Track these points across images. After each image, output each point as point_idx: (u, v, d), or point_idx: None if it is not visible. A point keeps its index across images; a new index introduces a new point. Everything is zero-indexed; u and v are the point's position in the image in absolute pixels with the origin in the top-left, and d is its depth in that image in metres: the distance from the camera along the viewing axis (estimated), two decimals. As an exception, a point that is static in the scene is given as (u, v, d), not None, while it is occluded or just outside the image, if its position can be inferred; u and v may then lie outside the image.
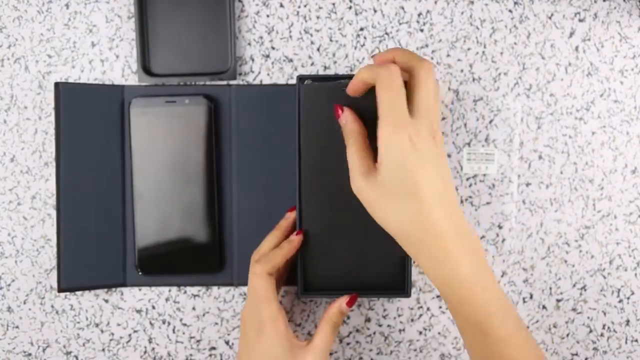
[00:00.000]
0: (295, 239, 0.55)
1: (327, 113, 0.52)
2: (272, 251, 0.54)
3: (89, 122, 0.59)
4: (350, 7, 0.61)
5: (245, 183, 0.60)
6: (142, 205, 0.59)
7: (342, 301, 0.54)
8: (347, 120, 0.50)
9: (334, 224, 0.54)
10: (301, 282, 0.56)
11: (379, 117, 0.46)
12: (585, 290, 0.61)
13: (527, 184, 0.61)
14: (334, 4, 0.61)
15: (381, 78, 0.45)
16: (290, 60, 0.61)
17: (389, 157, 0.45)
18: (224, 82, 0.61)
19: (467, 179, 0.61)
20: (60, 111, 0.59)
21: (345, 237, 0.55)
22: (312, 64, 0.61)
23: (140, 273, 0.60)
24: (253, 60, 0.61)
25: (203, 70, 0.60)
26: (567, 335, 0.62)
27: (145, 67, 0.60)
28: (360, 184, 0.47)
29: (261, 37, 0.61)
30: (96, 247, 0.59)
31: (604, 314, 0.61)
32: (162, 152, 0.59)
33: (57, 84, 0.59)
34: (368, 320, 0.62)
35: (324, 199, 0.54)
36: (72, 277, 0.59)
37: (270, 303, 0.52)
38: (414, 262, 0.56)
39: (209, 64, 0.61)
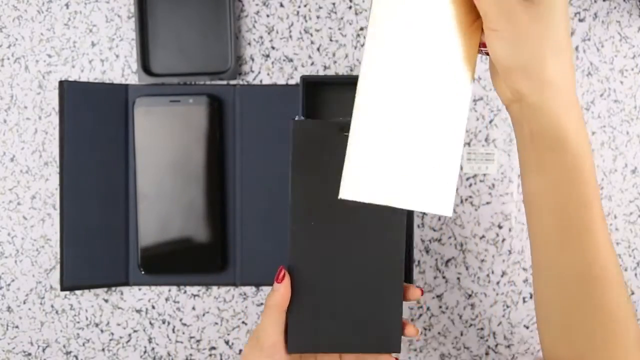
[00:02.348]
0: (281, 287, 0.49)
1: (320, 157, 0.48)
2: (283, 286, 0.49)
3: (92, 121, 0.59)
4: (350, 7, 0.61)
5: (249, 183, 0.60)
6: (146, 205, 0.59)
7: None
8: None
9: (325, 273, 0.48)
10: (291, 338, 0.49)
11: None
12: (585, 290, 0.61)
13: (527, 184, 0.61)
14: (334, 3, 0.61)
15: None
16: (290, 60, 0.61)
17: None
18: (225, 82, 0.61)
19: (467, 179, 0.61)
20: (65, 109, 0.59)
21: (335, 289, 0.48)
22: (312, 63, 0.61)
23: (143, 272, 0.60)
24: (253, 60, 0.61)
25: (203, 70, 0.60)
26: (567, 335, 0.62)
27: (145, 67, 0.60)
28: (518, 8, 0.40)
29: (261, 37, 0.61)
30: (99, 246, 0.60)
31: (604, 314, 0.61)
32: (165, 152, 0.59)
33: (61, 82, 0.59)
34: (368, 320, 0.62)
35: (315, 247, 0.48)
36: (75, 276, 0.59)
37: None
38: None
39: (209, 63, 0.61)
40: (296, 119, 0.47)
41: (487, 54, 0.43)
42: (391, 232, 0.48)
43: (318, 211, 0.48)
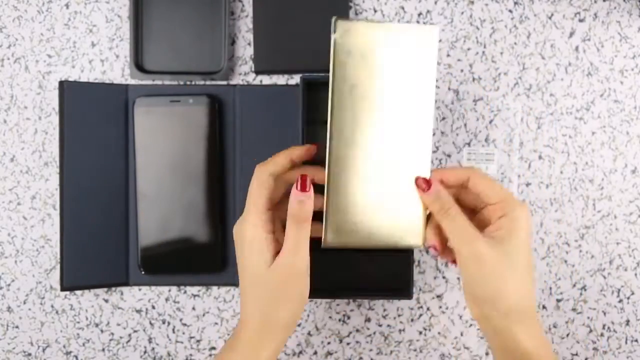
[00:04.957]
0: (308, 146, 0.50)
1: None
2: (277, 154, 0.49)
3: (92, 121, 0.59)
4: (350, 7, 0.61)
5: (248, 183, 0.60)
6: (145, 204, 0.59)
7: (292, 189, 0.47)
8: (440, 192, 0.47)
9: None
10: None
11: (502, 200, 0.47)
12: (585, 290, 0.61)
13: (527, 184, 0.61)
14: (334, 4, 0.61)
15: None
16: (290, 60, 0.61)
17: (518, 233, 0.46)
18: (225, 83, 0.61)
19: (467, 179, 0.61)
20: (64, 109, 0.59)
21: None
22: (312, 64, 0.61)
23: (142, 272, 0.60)
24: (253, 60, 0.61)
25: (196, 70, 0.61)
26: (567, 335, 0.62)
27: (138, 64, 0.60)
28: (484, 248, 0.45)
29: (261, 37, 0.61)
30: (99, 246, 0.59)
31: (604, 314, 0.61)
32: (165, 152, 0.59)
33: (61, 82, 0.59)
34: (368, 320, 0.62)
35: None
36: (75, 276, 0.59)
37: (258, 216, 0.46)
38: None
39: (202, 63, 0.61)
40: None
41: None
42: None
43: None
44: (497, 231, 0.46)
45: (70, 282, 0.59)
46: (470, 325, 0.62)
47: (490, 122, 0.61)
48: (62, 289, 0.59)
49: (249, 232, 0.46)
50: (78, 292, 0.61)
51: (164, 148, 0.59)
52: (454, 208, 0.46)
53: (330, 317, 0.62)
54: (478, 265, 0.45)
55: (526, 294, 0.46)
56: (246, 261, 0.47)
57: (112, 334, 0.62)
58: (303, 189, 0.46)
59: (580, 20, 0.61)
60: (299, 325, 0.62)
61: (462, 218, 0.46)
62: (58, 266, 0.61)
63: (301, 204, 0.46)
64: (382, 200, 0.48)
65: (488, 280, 0.45)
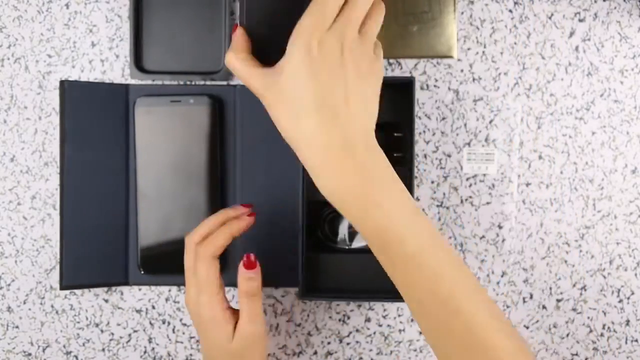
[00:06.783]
0: (247, 219, 0.50)
1: None
2: (217, 230, 0.49)
3: (93, 120, 0.59)
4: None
5: (249, 183, 0.60)
6: (145, 204, 0.59)
7: (240, 267, 0.50)
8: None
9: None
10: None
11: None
12: (585, 290, 0.61)
13: (527, 184, 0.61)
14: (334, 4, 0.61)
15: None
16: (290, 60, 0.61)
17: (288, 59, 0.40)
18: (225, 83, 0.61)
19: (467, 179, 0.61)
20: (65, 109, 0.59)
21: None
22: (312, 64, 0.61)
23: (142, 272, 0.60)
24: (253, 60, 0.61)
25: (196, 70, 0.61)
26: (567, 335, 0.62)
27: (138, 64, 0.60)
28: (260, 82, 0.41)
29: (261, 37, 0.61)
30: (98, 245, 0.59)
31: (604, 314, 0.61)
32: (166, 152, 0.59)
33: (62, 82, 0.59)
34: (368, 320, 0.62)
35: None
36: (74, 275, 0.59)
37: (213, 297, 0.49)
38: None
39: (202, 63, 0.61)
40: None
41: None
42: None
43: None
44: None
45: (70, 281, 0.59)
46: (470, 325, 0.62)
47: (490, 122, 0.61)
48: (62, 287, 0.59)
49: (207, 311, 0.49)
50: (78, 292, 0.61)
51: (165, 148, 0.59)
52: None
53: (330, 317, 0.62)
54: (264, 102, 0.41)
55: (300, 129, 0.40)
56: (209, 340, 0.50)
57: (112, 334, 0.62)
58: (250, 267, 0.49)
59: (580, 20, 0.61)
60: (298, 325, 0.62)
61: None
62: (58, 266, 0.61)
63: (250, 280, 0.49)
64: None
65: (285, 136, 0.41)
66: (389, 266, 0.42)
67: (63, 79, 0.61)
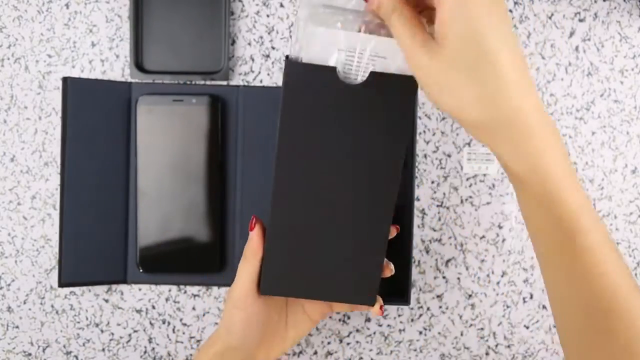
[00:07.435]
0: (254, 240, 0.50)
1: (316, 103, 0.45)
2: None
3: (95, 118, 0.59)
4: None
5: (249, 184, 0.60)
6: (145, 203, 0.59)
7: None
8: None
9: (307, 218, 0.47)
10: (264, 280, 0.49)
11: None
12: (585, 290, 0.61)
13: (527, 184, 0.61)
14: (334, 4, 0.61)
15: None
16: (290, 60, 0.61)
17: (457, 24, 0.36)
18: (226, 83, 0.61)
19: (467, 179, 0.61)
20: (67, 106, 0.59)
21: (316, 235, 0.47)
22: (312, 64, 0.61)
23: (141, 270, 0.60)
24: (253, 60, 0.61)
25: (196, 70, 0.61)
26: (567, 335, 0.62)
27: (138, 64, 0.60)
28: (423, 61, 0.37)
29: (261, 37, 0.61)
30: (98, 243, 0.59)
31: (604, 314, 0.61)
32: (167, 151, 0.59)
33: (65, 79, 0.59)
34: (368, 320, 0.62)
35: (299, 191, 0.47)
36: (73, 272, 0.59)
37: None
38: (490, 152, 0.44)
39: (202, 63, 0.61)
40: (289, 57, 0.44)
41: None
42: (385, 183, 0.46)
43: (305, 157, 0.46)
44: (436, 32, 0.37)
45: (69, 278, 0.59)
46: (470, 325, 0.62)
47: (490, 122, 0.61)
48: (60, 284, 0.59)
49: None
50: (78, 293, 0.61)
51: (166, 147, 0.59)
52: (396, 10, 0.39)
53: (330, 317, 0.62)
54: (427, 85, 0.38)
55: (502, 94, 0.37)
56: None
57: (112, 334, 0.62)
58: (250, 228, 0.50)
59: (580, 20, 0.61)
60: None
61: (405, 19, 0.39)
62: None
63: (249, 241, 0.49)
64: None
65: (445, 100, 0.38)
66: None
67: (63, 79, 0.61)
